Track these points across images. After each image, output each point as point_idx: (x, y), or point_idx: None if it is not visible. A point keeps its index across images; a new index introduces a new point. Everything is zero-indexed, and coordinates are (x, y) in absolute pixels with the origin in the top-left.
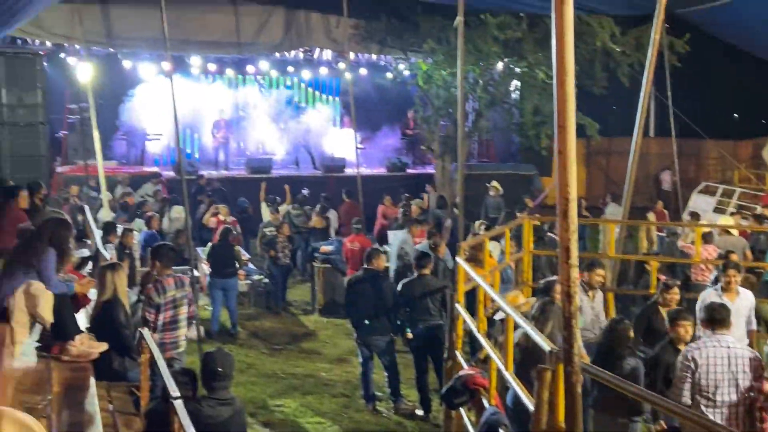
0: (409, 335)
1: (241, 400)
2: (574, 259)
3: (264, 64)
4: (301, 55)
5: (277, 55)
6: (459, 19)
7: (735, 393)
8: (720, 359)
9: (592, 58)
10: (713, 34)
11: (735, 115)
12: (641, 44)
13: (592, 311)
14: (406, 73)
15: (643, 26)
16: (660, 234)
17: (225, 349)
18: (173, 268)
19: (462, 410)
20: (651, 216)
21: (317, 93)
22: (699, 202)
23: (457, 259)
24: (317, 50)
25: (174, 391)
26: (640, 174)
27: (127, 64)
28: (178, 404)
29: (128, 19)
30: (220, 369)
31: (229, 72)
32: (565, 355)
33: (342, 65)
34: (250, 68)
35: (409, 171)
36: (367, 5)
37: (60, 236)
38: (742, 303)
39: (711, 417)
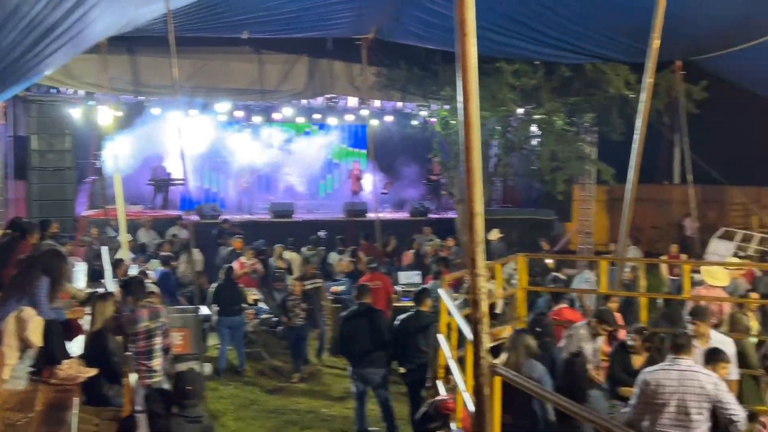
0: (401, 370)
1: (209, 418)
2: (480, 269)
3: (289, 111)
4: (326, 102)
5: (304, 102)
6: None
7: (685, 414)
8: (669, 381)
9: (610, 104)
10: (731, 80)
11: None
12: (657, 91)
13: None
14: (433, 119)
15: (660, 73)
16: (672, 277)
17: (231, 386)
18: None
19: None
20: (664, 258)
21: (344, 142)
22: (719, 248)
23: (440, 291)
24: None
25: (139, 405)
26: (663, 220)
27: (155, 111)
28: (141, 418)
29: (152, 67)
30: (189, 388)
31: (256, 119)
32: (474, 357)
33: (365, 112)
34: (276, 115)
35: (432, 216)
36: (387, 54)
37: (53, 266)
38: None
39: None
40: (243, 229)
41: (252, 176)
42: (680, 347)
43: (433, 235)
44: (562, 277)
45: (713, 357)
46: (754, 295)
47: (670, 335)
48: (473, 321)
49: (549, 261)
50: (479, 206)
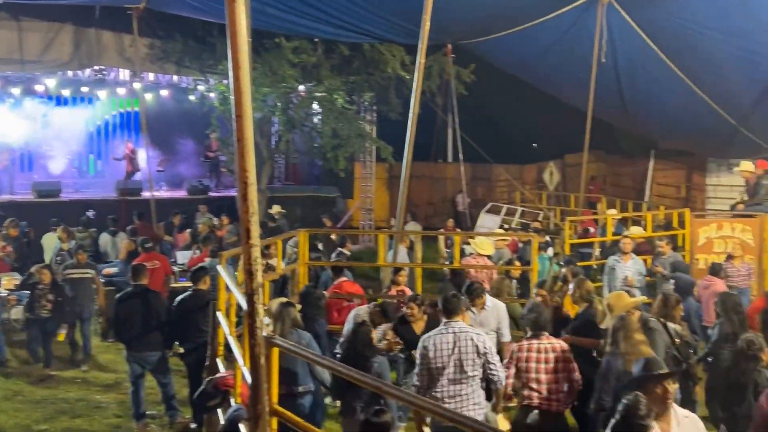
0: (180, 350)
1: None
2: (255, 239)
3: (52, 83)
4: (94, 75)
5: (69, 74)
6: None
7: (461, 373)
8: (446, 344)
9: (387, 84)
10: (495, 64)
11: (534, 144)
12: (430, 73)
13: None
14: (211, 94)
15: (432, 56)
16: (449, 250)
17: None
18: None
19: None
20: (441, 231)
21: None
22: (487, 221)
23: (218, 267)
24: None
25: None
26: (438, 196)
27: None
28: None
29: None
30: None
31: (15, 91)
32: (250, 329)
33: (138, 85)
34: (38, 87)
35: (212, 194)
36: (162, 25)
37: None
38: (491, 314)
39: (438, 395)
40: (3, 210)
41: (11, 153)
42: (452, 311)
43: (210, 214)
44: (346, 252)
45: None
46: (517, 263)
47: (442, 301)
48: (248, 293)
49: (333, 236)
50: (252, 176)
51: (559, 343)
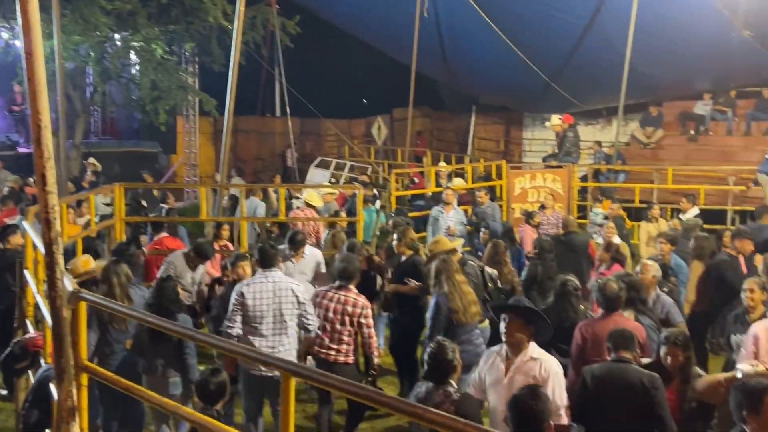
0: None
1: None
2: (51, 186)
3: None
4: None
5: None
6: None
7: (280, 321)
8: (266, 293)
9: (209, 34)
10: (321, 16)
11: (364, 100)
12: (254, 24)
13: (191, 281)
14: (18, 42)
15: (255, 5)
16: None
17: None
18: None
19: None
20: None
21: None
22: (316, 175)
23: (24, 223)
24: None
25: None
26: (266, 151)
27: None
28: None
29: None
30: None
31: None
32: (50, 281)
33: None
34: None
35: (21, 150)
36: None
37: None
38: (309, 261)
39: (257, 345)
40: None
41: None
42: (268, 262)
43: (7, 171)
44: (167, 207)
45: None
46: (344, 215)
47: (258, 251)
48: (47, 242)
49: (155, 192)
50: (45, 118)
51: (358, 298)
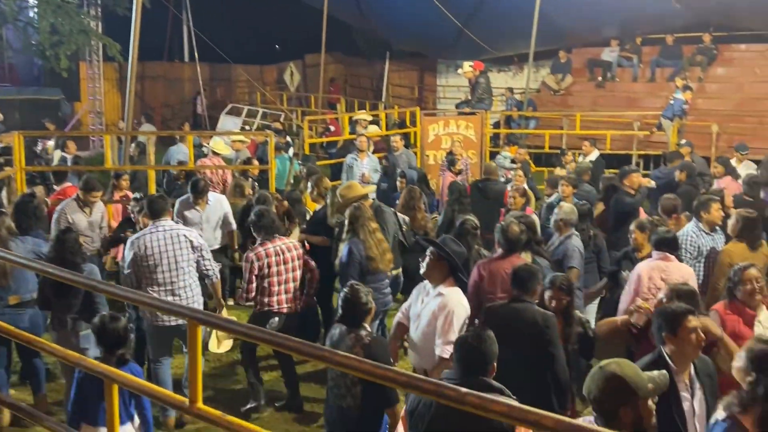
0: None
1: None
2: None
3: None
4: None
5: None
6: None
7: (176, 269)
8: (158, 242)
9: None
10: None
11: (277, 46)
12: None
13: (88, 225)
14: None
15: None
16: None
17: None
18: None
19: None
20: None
21: None
22: (227, 123)
23: None
24: None
25: None
26: (175, 98)
27: None
28: None
29: None
30: None
31: None
32: None
33: None
34: None
35: None
36: None
37: None
38: (214, 209)
39: (156, 295)
40: None
41: None
42: (159, 212)
43: None
44: (69, 155)
45: None
46: (256, 162)
47: (146, 202)
48: None
49: (50, 142)
50: None
51: (291, 242)
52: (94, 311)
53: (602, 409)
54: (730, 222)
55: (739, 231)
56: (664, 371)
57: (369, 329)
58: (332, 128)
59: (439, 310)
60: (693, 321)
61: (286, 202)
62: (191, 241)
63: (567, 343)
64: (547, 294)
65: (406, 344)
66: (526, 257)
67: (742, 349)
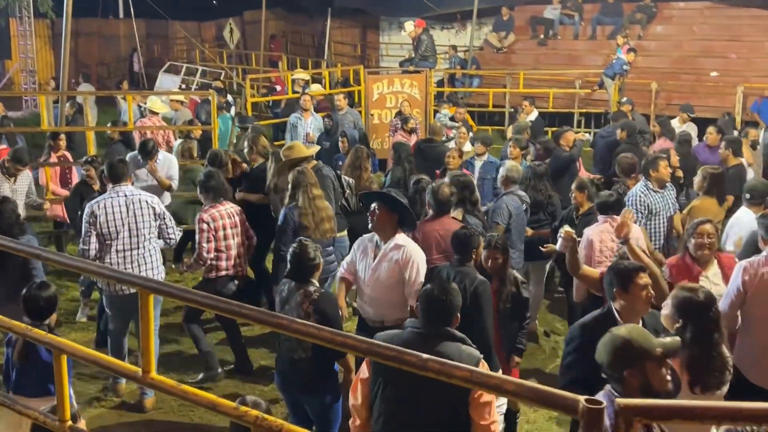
0: None
1: None
2: None
3: None
4: None
5: None
6: None
7: (137, 236)
8: (119, 207)
9: None
10: None
11: (213, 1)
12: None
13: (11, 192)
14: None
15: None
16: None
17: None
18: None
19: None
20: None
21: None
22: (165, 81)
23: None
24: None
25: None
26: (111, 56)
27: None
28: None
29: None
30: None
31: None
32: None
33: None
34: None
35: None
36: None
37: None
38: (162, 167)
39: (115, 263)
40: None
41: None
42: (119, 176)
43: None
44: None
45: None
46: (198, 123)
47: (106, 166)
48: None
49: None
50: None
51: (234, 206)
52: (32, 281)
53: (612, 374)
54: (696, 179)
55: (707, 187)
56: (677, 337)
57: (317, 285)
58: (278, 87)
59: (404, 262)
60: (644, 278)
61: (245, 165)
62: (153, 208)
63: (500, 302)
64: (483, 254)
65: (354, 304)
66: (458, 215)
67: (668, 298)
